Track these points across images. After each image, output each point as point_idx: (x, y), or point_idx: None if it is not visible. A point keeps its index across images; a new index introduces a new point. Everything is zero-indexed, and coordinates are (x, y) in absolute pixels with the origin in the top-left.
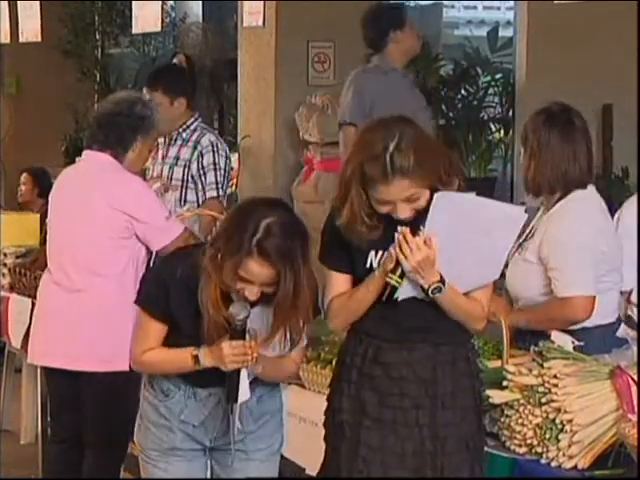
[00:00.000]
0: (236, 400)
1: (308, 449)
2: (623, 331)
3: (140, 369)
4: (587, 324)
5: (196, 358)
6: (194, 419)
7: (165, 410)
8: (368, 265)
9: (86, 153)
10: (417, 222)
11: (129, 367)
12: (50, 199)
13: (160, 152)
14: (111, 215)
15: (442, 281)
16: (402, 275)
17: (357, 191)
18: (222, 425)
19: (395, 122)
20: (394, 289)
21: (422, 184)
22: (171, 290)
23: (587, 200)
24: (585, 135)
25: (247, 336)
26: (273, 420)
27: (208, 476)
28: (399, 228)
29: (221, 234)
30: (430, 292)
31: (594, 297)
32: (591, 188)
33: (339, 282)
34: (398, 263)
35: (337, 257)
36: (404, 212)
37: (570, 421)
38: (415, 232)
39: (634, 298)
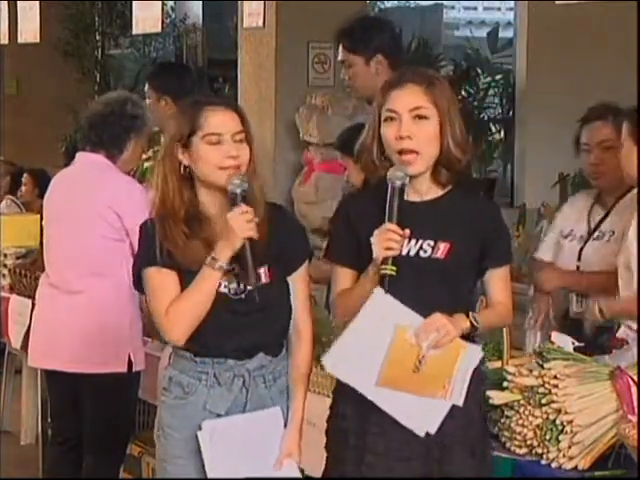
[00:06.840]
0: (258, 279)
1: (307, 450)
2: (623, 332)
3: (173, 329)
4: None
5: (212, 261)
6: (219, 407)
7: (188, 408)
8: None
9: (79, 154)
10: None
11: (127, 367)
12: (45, 202)
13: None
14: (104, 214)
15: (473, 326)
16: (394, 263)
17: (376, 129)
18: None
19: None
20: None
21: (432, 103)
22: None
23: None
24: None
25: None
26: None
27: None
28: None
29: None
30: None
31: None
32: None
33: (344, 278)
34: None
35: (344, 251)
36: (407, 128)
37: (570, 422)
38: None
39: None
